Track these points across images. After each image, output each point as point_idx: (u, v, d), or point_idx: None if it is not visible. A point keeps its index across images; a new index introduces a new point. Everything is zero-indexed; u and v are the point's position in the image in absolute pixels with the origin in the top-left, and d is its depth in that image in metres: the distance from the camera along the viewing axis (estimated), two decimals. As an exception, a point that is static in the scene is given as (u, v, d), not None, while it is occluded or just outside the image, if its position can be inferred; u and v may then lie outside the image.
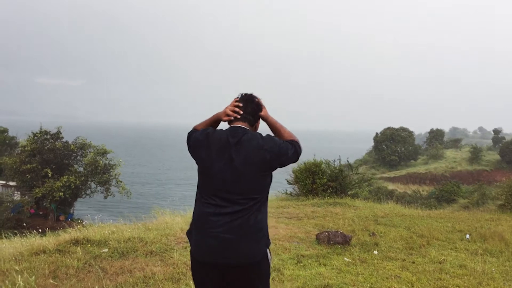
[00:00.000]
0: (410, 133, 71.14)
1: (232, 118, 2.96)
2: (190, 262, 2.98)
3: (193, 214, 2.91)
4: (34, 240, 5.62)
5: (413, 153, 69.93)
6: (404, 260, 6.45)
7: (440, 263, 6.33)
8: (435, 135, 78.84)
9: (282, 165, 2.92)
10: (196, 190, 2.95)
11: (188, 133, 3.03)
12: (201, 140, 2.90)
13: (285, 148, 2.89)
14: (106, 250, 5.55)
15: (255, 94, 3.08)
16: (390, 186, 54.88)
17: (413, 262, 6.33)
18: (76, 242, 5.74)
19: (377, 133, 71.93)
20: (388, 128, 71.09)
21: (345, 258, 6.36)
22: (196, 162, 2.92)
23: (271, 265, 3.02)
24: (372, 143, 74.07)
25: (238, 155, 2.79)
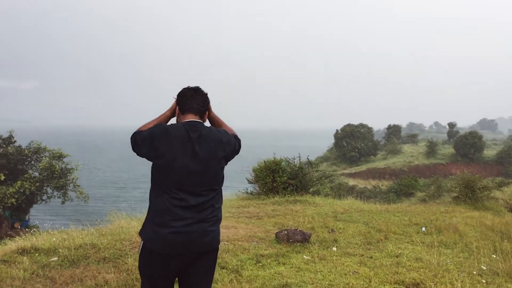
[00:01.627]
0: (369, 129, 72.57)
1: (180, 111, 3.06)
2: (142, 258, 2.94)
3: (152, 210, 2.89)
4: (-24, 251, 5.30)
5: (372, 148, 71.36)
6: (362, 255, 6.50)
7: (397, 257, 6.40)
8: (393, 131, 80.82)
9: (232, 158, 3.12)
10: (151, 186, 2.95)
11: (134, 134, 3.00)
12: (160, 135, 2.88)
13: (234, 142, 3.10)
14: (55, 258, 5.28)
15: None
16: (351, 182, 55.85)
17: (371, 257, 6.38)
18: (23, 251, 5.45)
19: (337, 130, 72.97)
20: (348, 125, 72.28)
21: (304, 256, 6.34)
22: (151, 157, 2.90)
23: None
24: (333, 140, 75.09)
25: (201, 149, 2.88)
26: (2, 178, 34.23)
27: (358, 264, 6.00)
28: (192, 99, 3.05)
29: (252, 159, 14.60)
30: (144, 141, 2.90)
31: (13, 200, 33.50)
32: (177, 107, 3.10)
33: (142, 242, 2.94)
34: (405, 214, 10.17)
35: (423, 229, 8.35)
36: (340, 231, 8.09)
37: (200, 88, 3.12)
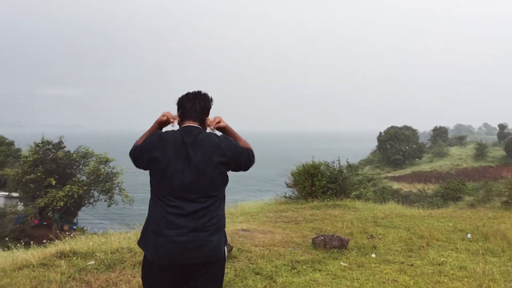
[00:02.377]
0: (414, 132, 70.84)
1: (172, 120, 3.00)
2: (143, 268, 2.88)
3: (149, 218, 2.83)
4: (19, 254, 5.46)
5: (417, 151, 69.61)
6: (403, 263, 6.26)
7: (440, 265, 6.13)
8: (439, 133, 78.54)
9: (237, 167, 2.97)
10: (150, 194, 2.89)
11: (131, 150, 2.96)
12: (154, 142, 2.84)
13: (240, 151, 2.95)
14: (92, 262, 5.38)
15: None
16: (395, 186, 54.56)
17: (412, 265, 6.14)
18: (62, 255, 5.58)
19: (380, 133, 71.63)
20: (392, 127, 70.84)
21: (341, 263, 6.18)
22: (148, 166, 2.85)
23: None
24: (376, 143, 73.78)
25: (196, 154, 2.79)
26: (53, 182, 35.64)
27: (398, 272, 5.78)
28: (191, 107, 2.96)
29: (291, 163, 14.49)
30: (142, 151, 2.86)
31: (62, 203, 34.81)
32: (178, 114, 3.02)
33: (144, 253, 2.87)
34: (449, 219, 9.77)
35: (469, 235, 7.97)
36: (380, 237, 7.85)
37: (200, 93, 3.03)
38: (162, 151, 2.79)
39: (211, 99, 3.06)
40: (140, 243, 2.87)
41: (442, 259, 6.41)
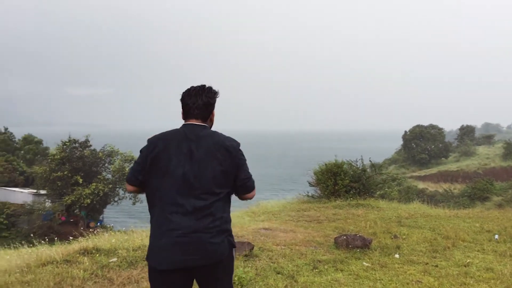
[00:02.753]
0: (440, 130, 69.64)
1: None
2: (148, 275, 2.77)
3: (151, 219, 2.74)
4: (43, 250, 5.58)
5: (443, 150, 68.41)
6: (427, 263, 6.14)
7: (465, 266, 5.99)
8: (466, 132, 77.00)
9: (238, 170, 2.83)
10: (148, 203, 2.79)
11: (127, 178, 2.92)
12: (155, 141, 2.78)
13: (243, 157, 2.88)
14: (114, 259, 5.44)
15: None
16: (421, 185, 53.71)
17: (436, 266, 6.01)
18: (85, 251, 5.67)
19: (406, 131, 70.63)
20: (417, 126, 69.80)
21: (364, 263, 6.10)
22: (148, 164, 2.74)
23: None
24: (401, 142, 72.81)
25: (198, 149, 2.71)
26: (80, 180, 36.36)
27: (422, 273, 5.67)
28: (193, 104, 2.84)
29: (313, 162, 14.39)
30: (141, 157, 2.79)
31: (88, 200, 35.50)
32: (181, 112, 2.91)
33: None
34: (476, 220, 9.54)
35: (496, 236, 7.76)
36: (404, 237, 7.72)
37: (203, 88, 2.89)
38: (162, 147, 2.72)
39: (216, 93, 2.91)
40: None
41: (468, 260, 6.26)
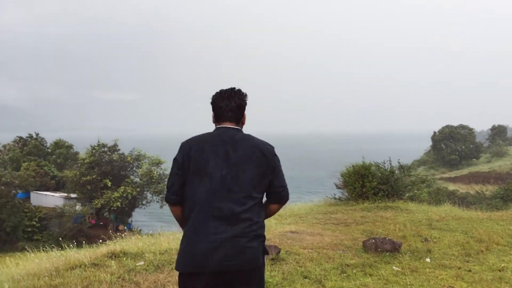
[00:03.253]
0: (471, 131, 68.09)
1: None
2: (180, 280, 2.70)
3: (187, 224, 2.69)
4: (72, 254, 5.64)
5: (474, 151, 66.84)
6: (460, 268, 5.95)
7: (500, 271, 5.77)
8: (498, 132, 75.06)
9: (273, 176, 2.80)
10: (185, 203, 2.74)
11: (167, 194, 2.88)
12: (189, 145, 2.73)
13: (280, 166, 2.86)
14: (142, 263, 5.46)
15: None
16: (451, 187, 52.51)
17: (469, 270, 5.82)
18: (113, 255, 5.71)
19: (435, 132, 69.34)
20: (447, 126, 68.46)
21: (394, 267, 5.95)
22: (183, 166, 2.69)
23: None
24: (430, 143, 71.53)
25: (235, 152, 2.67)
26: (109, 184, 37.00)
27: (455, 278, 5.49)
28: (226, 107, 2.80)
29: (340, 164, 14.21)
30: (176, 166, 2.72)
31: (117, 204, 36.06)
32: (212, 115, 2.88)
33: None
34: (510, 222, 9.21)
35: (532, 240, 7.49)
36: (435, 240, 7.51)
37: (234, 90, 2.85)
38: (198, 150, 2.67)
39: (246, 95, 2.88)
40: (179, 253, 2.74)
41: (503, 265, 6.04)
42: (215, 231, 2.57)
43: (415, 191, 16.88)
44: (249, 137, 2.79)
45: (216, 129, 2.81)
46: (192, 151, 2.69)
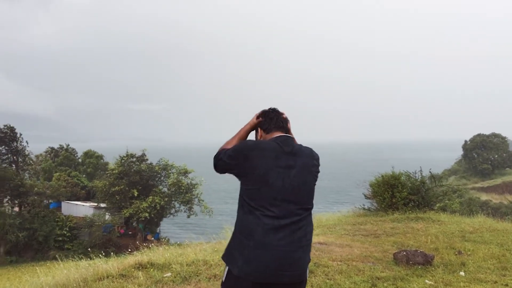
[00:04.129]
0: (504, 139, 66.28)
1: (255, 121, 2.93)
2: (227, 286, 2.65)
3: (241, 229, 2.63)
4: (100, 264, 5.67)
5: (508, 160, 64.92)
6: (496, 282, 5.71)
7: (540, 286, 5.51)
8: (532, 140, 72.72)
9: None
10: (240, 204, 2.71)
11: (218, 153, 2.83)
12: (252, 146, 2.72)
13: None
14: (169, 274, 5.44)
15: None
16: (484, 197, 51.12)
17: (506, 285, 5.58)
18: (140, 266, 5.71)
19: (466, 141, 67.79)
20: (478, 135, 66.86)
21: (426, 281, 5.75)
22: (243, 172, 2.67)
23: None
24: (461, 152, 69.96)
25: (296, 163, 2.69)
26: (136, 193, 37.43)
27: (491, 293, 5.27)
28: (277, 118, 2.88)
29: (368, 173, 13.97)
30: (235, 155, 2.70)
31: (146, 214, 36.42)
32: (259, 128, 2.92)
33: (226, 267, 2.66)
34: (548, 234, 8.85)
35: None
36: (469, 253, 7.25)
37: (277, 109, 2.98)
38: (260, 157, 2.66)
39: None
40: (228, 258, 2.66)
41: (543, 280, 5.77)
42: (273, 241, 2.55)
43: (447, 201, 16.46)
44: (304, 147, 2.85)
45: (275, 138, 2.80)
46: (253, 156, 2.68)
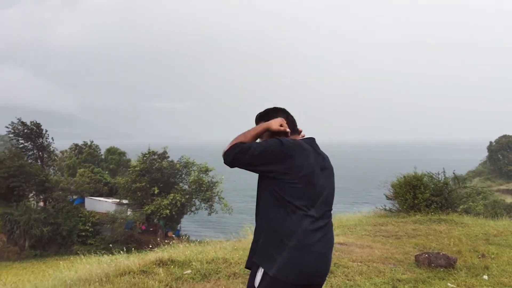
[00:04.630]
0: (530, 140, 64.72)
1: (287, 130, 2.71)
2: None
3: (281, 232, 2.52)
4: (121, 260, 5.75)
5: (534, 162, 63.39)
6: (521, 287, 5.58)
7: None
8: (561, 141, 70.85)
9: None
10: (273, 204, 2.56)
11: (237, 147, 2.60)
12: (295, 147, 2.59)
13: None
14: (189, 271, 5.48)
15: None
16: (509, 199, 49.98)
17: (532, 290, 5.45)
18: (161, 262, 5.77)
19: (491, 142, 66.48)
20: (504, 136, 65.50)
21: (449, 284, 5.66)
22: (284, 170, 2.52)
23: None
24: (486, 153, 68.64)
25: (325, 166, 2.71)
26: (156, 191, 37.80)
27: (515, 298, 5.16)
28: (293, 120, 2.84)
29: (389, 173, 13.81)
30: (276, 153, 2.53)
31: (167, 211, 36.75)
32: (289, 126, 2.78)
33: (262, 271, 2.54)
34: None
35: None
36: (493, 256, 7.11)
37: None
38: (304, 157, 2.58)
39: None
40: (261, 258, 2.56)
41: None
42: (314, 243, 2.53)
43: (470, 203, 16.17)
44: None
45: (305, 139, 2.76)
46: (297, 155, 2.58)
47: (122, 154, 57.37)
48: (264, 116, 2.80)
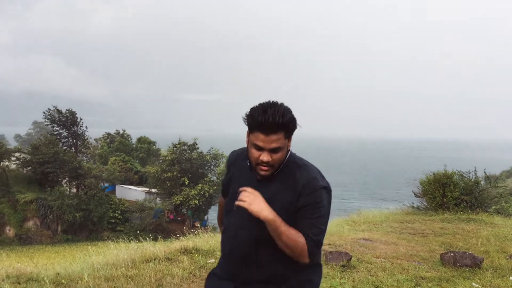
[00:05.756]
0: None
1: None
2: None
3: None
4: (147, 247, 5.91)
5: None
6: (549, 290, 5.46)
7: None
8: None
9: None
10: None
11: (321, 240, 2.21)
12: None
13: None
14: (212, 260, 5.58)
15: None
16: (544, 201, 48.42)
17: (560, 294, 5.33)
18: (186, 251, 5.90)
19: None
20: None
21: (473, 284, 5.59)
22: None
23: None
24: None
25: None
26: (186, 182, 38.29)
27: (542, 300, 5.06)
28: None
29: (418, 171, 13.61)
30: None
31: (196, 201, 37.21)
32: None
33: None
34: None
35: None
36: (522, 258, 6.96)
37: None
38: None
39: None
40: None
41: None
42: None
43: (503, 203, 15.79)
44: None
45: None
46: None
47: (152, 143, 58.25)
48: (248, 126, 2.19)
